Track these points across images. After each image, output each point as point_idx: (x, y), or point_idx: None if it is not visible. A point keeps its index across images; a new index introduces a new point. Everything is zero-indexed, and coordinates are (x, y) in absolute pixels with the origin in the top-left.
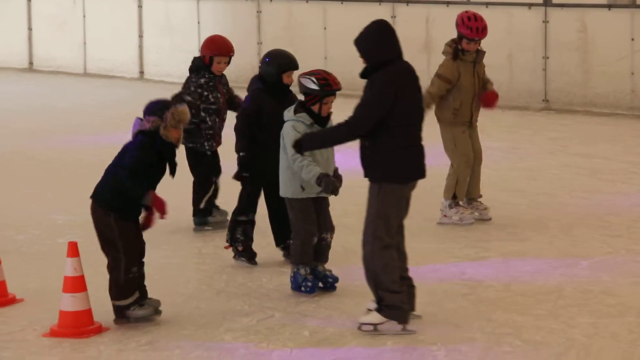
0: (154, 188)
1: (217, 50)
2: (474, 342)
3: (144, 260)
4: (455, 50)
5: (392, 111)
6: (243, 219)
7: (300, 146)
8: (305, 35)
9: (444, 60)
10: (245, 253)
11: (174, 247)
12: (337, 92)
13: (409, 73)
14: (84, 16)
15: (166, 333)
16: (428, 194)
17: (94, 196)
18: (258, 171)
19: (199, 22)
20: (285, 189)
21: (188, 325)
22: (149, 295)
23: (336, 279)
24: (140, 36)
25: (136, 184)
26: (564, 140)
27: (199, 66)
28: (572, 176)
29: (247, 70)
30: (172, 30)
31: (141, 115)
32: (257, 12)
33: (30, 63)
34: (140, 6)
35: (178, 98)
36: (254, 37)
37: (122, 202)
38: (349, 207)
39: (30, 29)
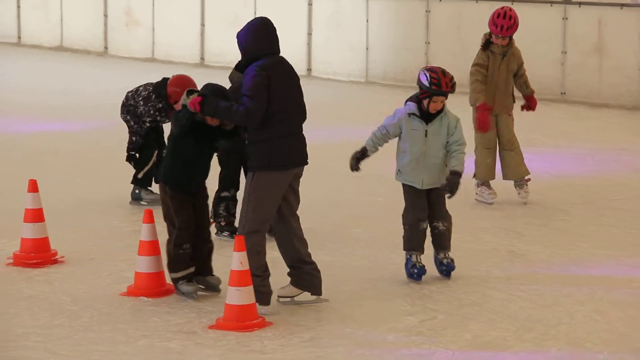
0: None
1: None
2: None
3: (207, 238)
4: (487, 41)
5: (268, 99)
6: (226, 195)
7: (203, 103)
8: (474, 34)
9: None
10: (227, 227)
11: (337, 246)
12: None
13: (282, 65)
14: (255, 13)
15: (329, 330)
16: (596, 201)
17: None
18: (237, 151)
19: (367, 21)
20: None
21: (351, 323)
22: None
23: (451, 267)
24: (309, 34)
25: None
26: None
27: (161, 93)
28: None
29: (413, 69)
30: (341, 28)
31: None
32: (426, 11)
33: (202, 58)
34: (310, 4)
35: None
36: (422, 36)
37: (178, 173)
38: (517, 210)
39: (203, 24)
